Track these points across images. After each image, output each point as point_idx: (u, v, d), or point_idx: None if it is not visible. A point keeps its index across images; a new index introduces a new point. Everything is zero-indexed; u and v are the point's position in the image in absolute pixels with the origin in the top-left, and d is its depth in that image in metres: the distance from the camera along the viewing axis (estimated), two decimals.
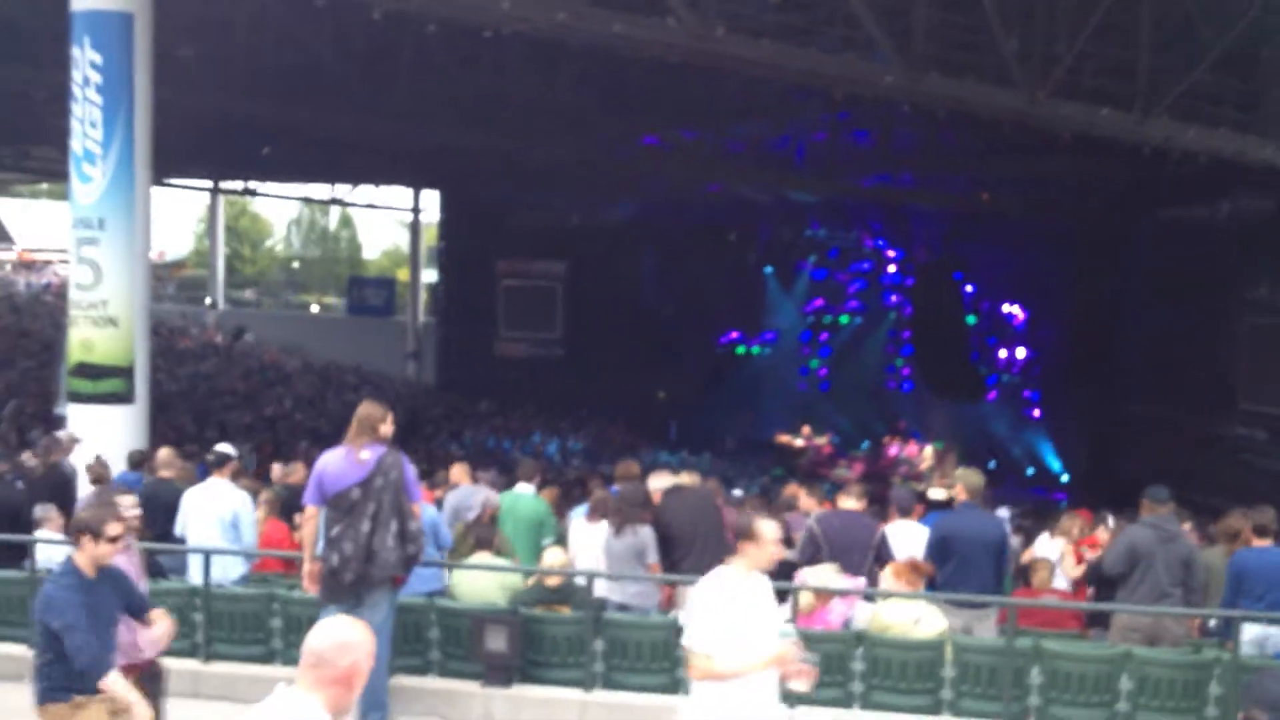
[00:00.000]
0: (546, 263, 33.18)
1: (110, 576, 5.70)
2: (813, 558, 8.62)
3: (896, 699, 7.94)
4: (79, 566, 5.58)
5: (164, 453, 10.16)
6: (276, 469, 12.36)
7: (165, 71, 13.94)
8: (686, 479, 9.54)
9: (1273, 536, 8.75)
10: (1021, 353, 30.16)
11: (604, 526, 9.18)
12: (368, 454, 7.36)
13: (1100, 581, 8.91)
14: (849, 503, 8.96)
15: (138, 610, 5.80)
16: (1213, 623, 8.66)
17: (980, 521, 8.51)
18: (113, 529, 5.63)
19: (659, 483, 9.35)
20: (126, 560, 6.39)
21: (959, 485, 8.84)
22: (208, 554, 8.67)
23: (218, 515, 8.98)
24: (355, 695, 3.75)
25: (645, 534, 8.87)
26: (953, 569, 8.27)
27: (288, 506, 10.10)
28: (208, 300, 40.65)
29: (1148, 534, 8.27)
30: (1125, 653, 7.76)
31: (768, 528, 5.47)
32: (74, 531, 5.64)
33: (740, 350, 33.47)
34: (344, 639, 3.72)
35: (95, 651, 5.37)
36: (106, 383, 13.23)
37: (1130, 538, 8.36)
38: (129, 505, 6.77)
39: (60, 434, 11.79)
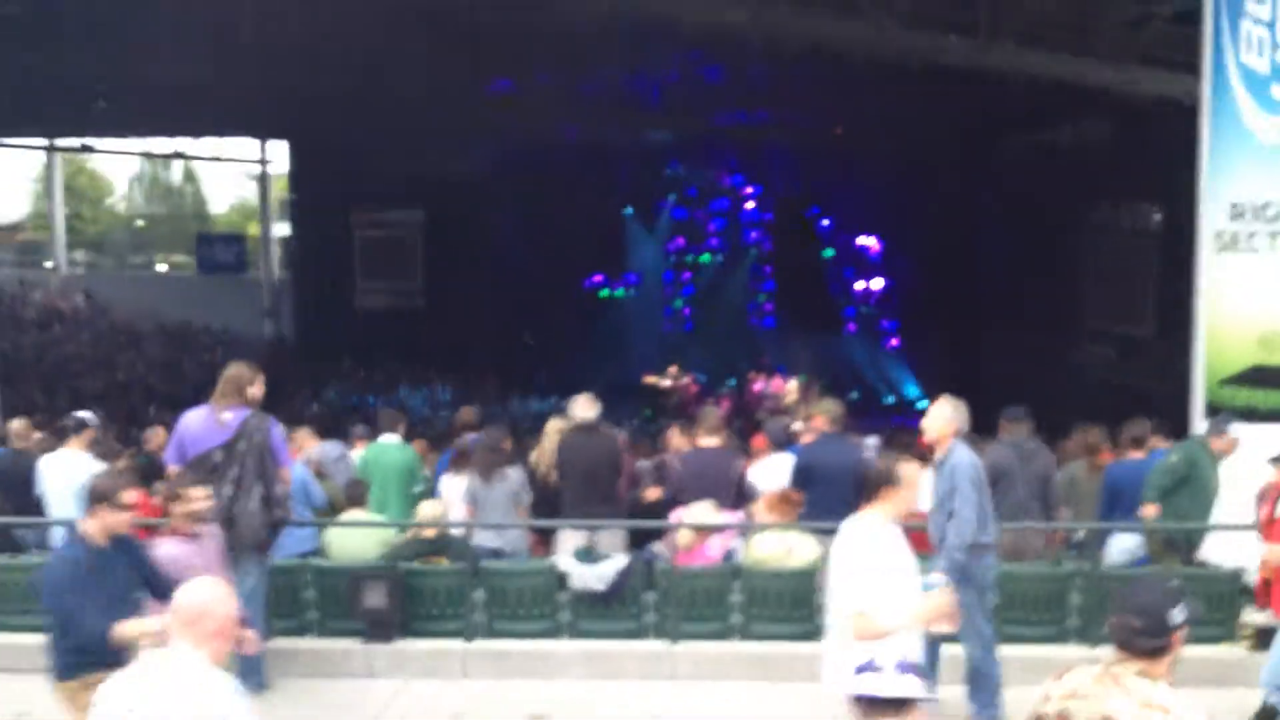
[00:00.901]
0: (403, 211, 32.56)
1: (126, 548, 5.67)
2: (676, 494, 8.75)
3: (775, 628, 8.10)
4: (87, 534, 5.55)
5: (17, 424, 9.76)
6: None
7: None
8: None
9: (1144, 448, 9.14)
10: (878, 283, 30.78)
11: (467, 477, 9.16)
12: (230, 415, 7.20)
13: None
14: (709, 440, 9.06)
15: (161, 591, 5.54)
16: (1081, 534, 9.00)
17: (841, 449, 8.68)
18: (128, 496, 5.64)
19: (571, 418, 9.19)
20: (195, 551, 6.31)
21: (818, 415, 9.01)
22: (71, 525, 8.36)
23: (75, 485, 8.67)
24: (229, 647, 4.07)
25: (514, 477, 8.88)
26: (817, 495, 8.43)
27: (146, 474, 9.80)
28: (49, 264, 39.05)
29: (1006, 452, 8.55)
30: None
31: (908, 471, 5.30)
32: (90, 499, 5.59)
33: (604, 293, 33.46)
34: (215, 593, 4.06)
35: (92, 626, 5.28)
36: None
37: (990, 457, 8.62)
38: (200, 496, 6.53)
39: None
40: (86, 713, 4.14)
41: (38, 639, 8.24)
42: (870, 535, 5.19)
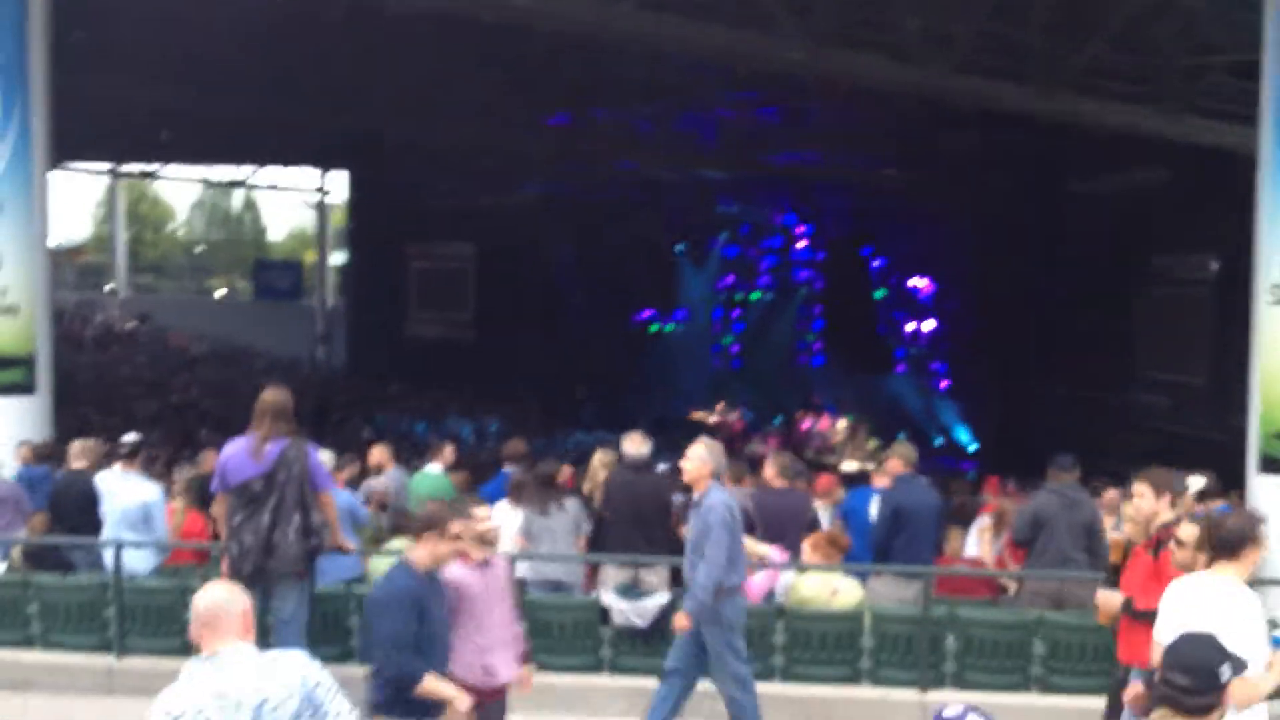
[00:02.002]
0: (456, 244, 32.87)
1: (441, 581, 5.60)
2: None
3: (817, 670, 8.07)
4: (415, 561, 5.43)
5: (78, 444, 9.89)
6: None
7: (62, 55, 13.53)
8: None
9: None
10: (929, 325, 30.61)
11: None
12: (270, 445, 7.29)
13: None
14: (779, 483, 9.07)
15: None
16: None
17: (923, 492, 8.76)
18: (456, 528, 5.49)
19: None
20: (481, 578, 5.88)
21: (894, 459, 9.03)
22: (119, 546, 8.51)
23: (126, 506, 8.81)
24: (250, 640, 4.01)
25: (572, 507, 8.89)
26: (906, 539, 8.44)
27: (202, 495, 9.94)
28: (109, 286, 39.72)
29: (1052, 500, 8.50)
30: (1038, 618, 7.96)
31: (1263, 530, 5.08)
32: (421, 527, 5.49)
33: (653, 328, 33.54)
34: (220, 594, 4.03)
35: (405, 666, 5.20)
36: (7, 373, 12.82)
37: (1034, 505, 8.61)
38: (486, 516, 6.17)
39: None
40: None
41: (81, 658, 8.44)
42: (1231, 596, 4.95)
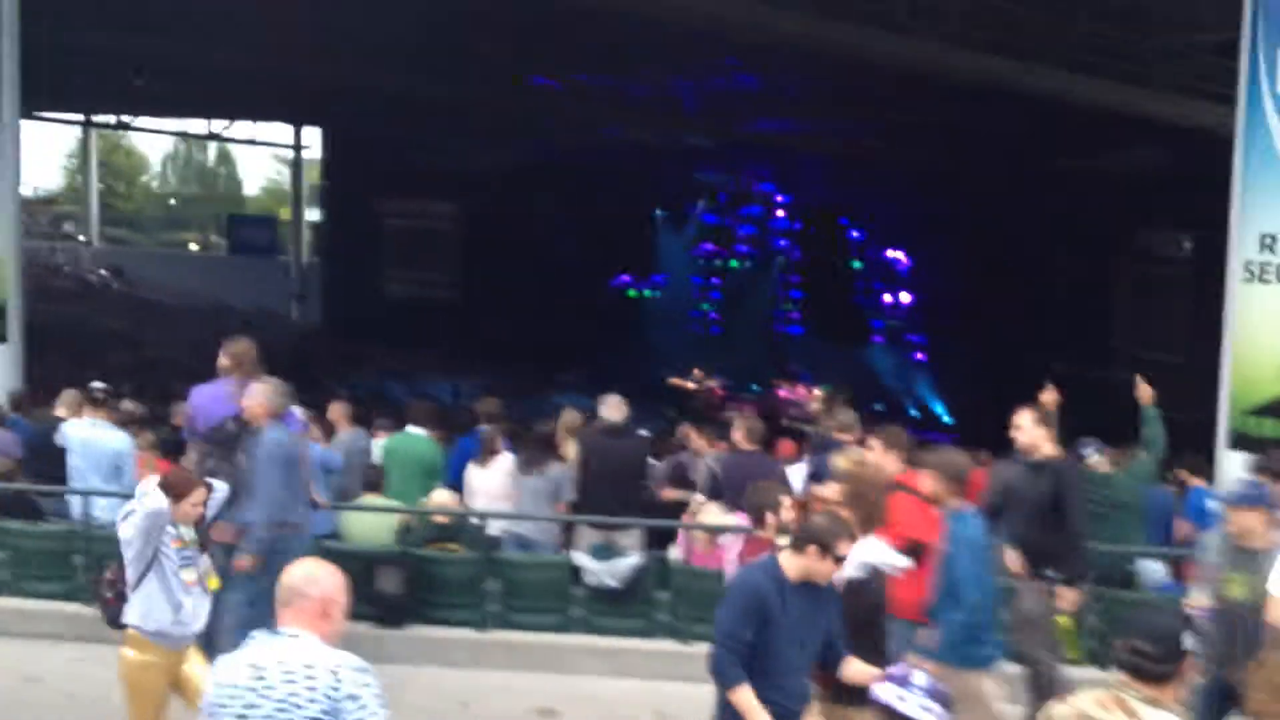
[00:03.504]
0: (435, 203, 32.69)
1: (826, 598, 5.01)
2: (712, 497, 8.74)
3: None
4: (785, 566, 4.92)
5: (69, 394, 9.76)
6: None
7: (33, 3, 13.30)
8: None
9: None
10: (906, 297, 30.72)
11: (495, 469, 9.19)
12: (242, 386, 7.29)
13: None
14: (749, 446, 9.04)
15: (831, 656, 5.02)
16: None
17: None
18: (843, 549, 4.93)
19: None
20: None
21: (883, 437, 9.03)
22: (88, 495, 8.46)
23: (97, 454, 8.76)
24: (337, 626, 3.89)
25: (556, 472, 8.88)
26: None
27: (171, 449, 9.86)
28: (82, 237, 39.35)
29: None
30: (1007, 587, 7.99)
31: None
32: (807, 539, 4.91)
33: (632, 293, 33.54)
34: (309, 572, 3.93)
35: (723, 665, 4.75)
36: None
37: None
38: (788, 505, 5.71)
39: None
40: None
41: (51, 605, 8.40)
42: None
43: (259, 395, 7.10)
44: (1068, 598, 6.85)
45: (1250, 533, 5.98)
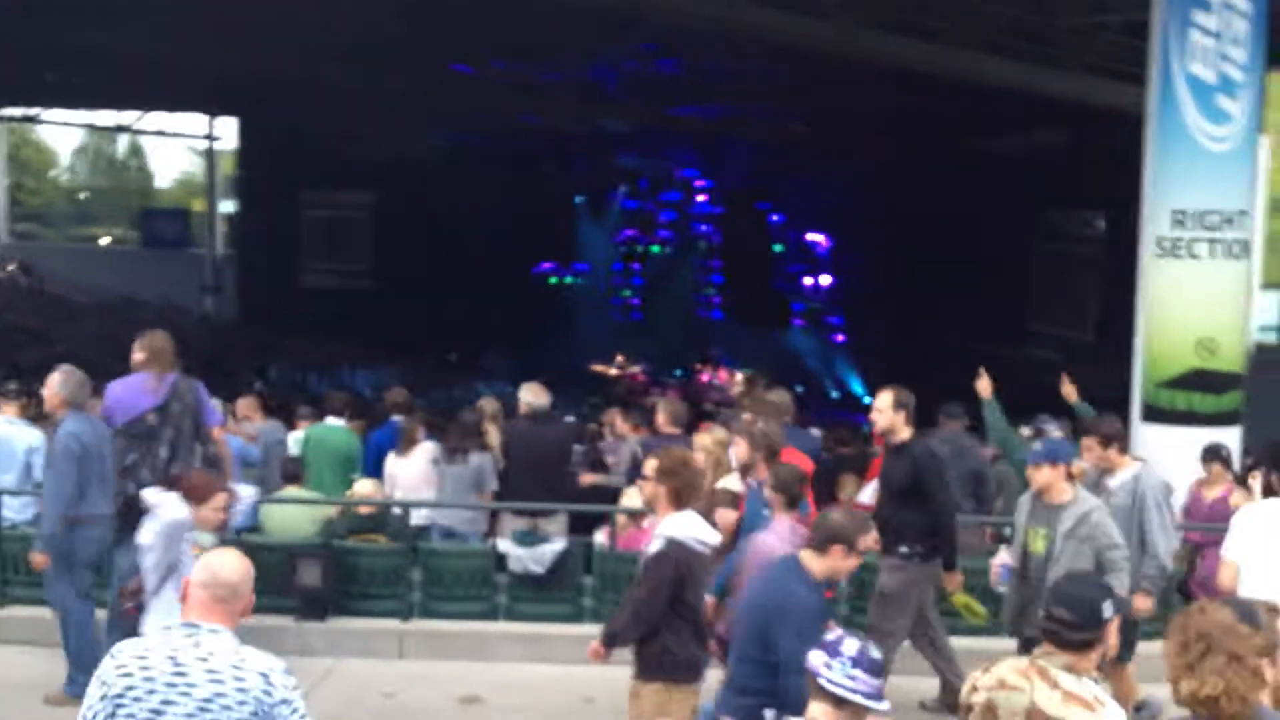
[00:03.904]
0: (353, 193, 32.27)
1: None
2: (634, 481, 8.74)
3: None
4: (809, 568, 4.92)
5: None
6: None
7: None
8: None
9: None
10: (826, 280, 30.98)
11: (415, 458, 9.14)
12: (160, 380, 7.16)
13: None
14: (672, 430, 9.06)
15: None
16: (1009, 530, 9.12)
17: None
18: (865, 544, 5.02)
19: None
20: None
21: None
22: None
23: (10, 453, 8.56)
24: (245, 618, 3.80)
25: (478, 461, 8.86)
26: None
27: None
28: None
29: (941, 449, 8.64)
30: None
31: None
32: (829, 538, 4.91)
33: (553, 280, 33.45)
34: (247, 569, 3.78)
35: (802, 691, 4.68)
36: None
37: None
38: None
39: None
40: None
41: None
42: None
43: (54, 385, 7.01)
44: (953, 580, 7.19)
45: (1050, 488, 6.41)
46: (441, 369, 28.22)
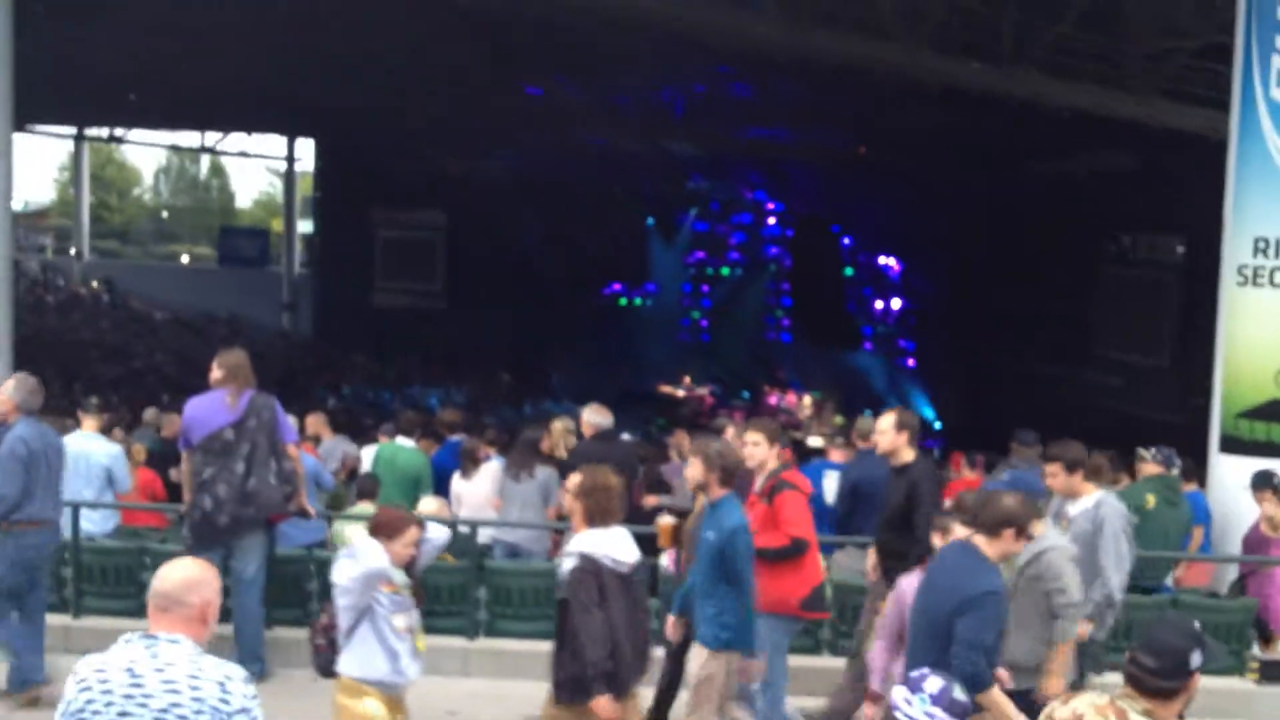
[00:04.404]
0: (426, 213, 32.71)
1: None
2: None
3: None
4: (985, 552, 5.12)
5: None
6: (150, 412, 12.04)
7: (25, 15, 13.28)
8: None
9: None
10: (896, 303, 30.80)
11: (481, 477, 9.21)
12: (237, 397, 7.30)
13: None
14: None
15: None
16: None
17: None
18: (1038, 529, 5.42)
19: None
20: None
21: (855, 433, 9.10)
22: (76, 507, 8.44)
23: (89, 466, 8.75)
24: (210, 631, 3.71)
25: (544, 475, 8.90)
26: (864, 513, 8.44)
27: (159, 458, 9.87)
28: (73, 250, 39.30)
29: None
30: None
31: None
32: (997, 524, 5.12)
33: (622, 302, 33.58)
34: (190, 576, 3.69)
35: (978, 666, 4.83)
36: None
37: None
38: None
39: None
40: None
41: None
42: None
43: (7, 390, 7.14)
44: None
45: None
46: (514, 388, 28.43)
